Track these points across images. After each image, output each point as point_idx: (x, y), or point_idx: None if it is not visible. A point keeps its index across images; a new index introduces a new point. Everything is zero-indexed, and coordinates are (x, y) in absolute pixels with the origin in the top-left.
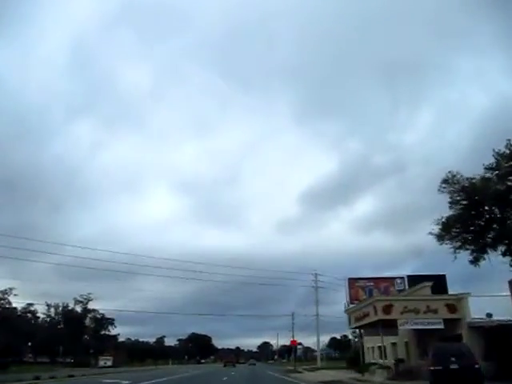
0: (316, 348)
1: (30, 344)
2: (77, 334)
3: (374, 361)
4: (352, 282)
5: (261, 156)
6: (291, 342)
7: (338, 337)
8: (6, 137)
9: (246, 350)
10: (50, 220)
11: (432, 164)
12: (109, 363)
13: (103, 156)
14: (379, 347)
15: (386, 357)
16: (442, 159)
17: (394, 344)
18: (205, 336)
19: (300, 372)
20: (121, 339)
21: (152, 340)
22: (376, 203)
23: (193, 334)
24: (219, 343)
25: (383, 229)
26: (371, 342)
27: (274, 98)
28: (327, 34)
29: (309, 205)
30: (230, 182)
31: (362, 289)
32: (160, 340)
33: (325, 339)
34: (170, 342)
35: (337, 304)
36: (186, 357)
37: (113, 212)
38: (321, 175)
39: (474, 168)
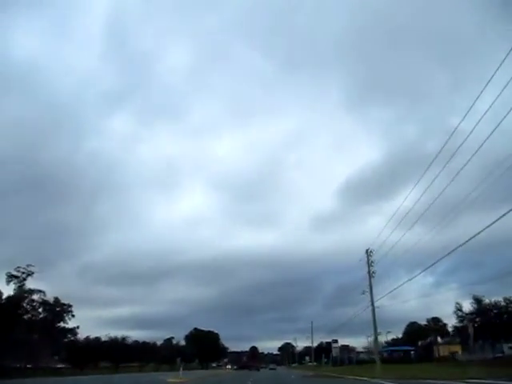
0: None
1: None
2: (6, 325)
3: None
4: None
5: (304, 146)
6: None
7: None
8: (41, 131)
9: (265, 352)
10: (84, 216)
11: (489, 151)
12: None
13: (139, 150)
14: None
15: None
16: (502, 146)
17: None
18: (210, 332)
19: None
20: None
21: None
22: (424, 195)
23: (195, 329)
24: (235, 345)
25: (427, 224)
26: None
27: (321, 79)
28: (381, 7)
29: (351, 198)
30: (269, 177)
31: None
32: (168, 341)
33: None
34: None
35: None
36: (179, 359)
37: (147, 208)
38: (368, 165)
39: None
